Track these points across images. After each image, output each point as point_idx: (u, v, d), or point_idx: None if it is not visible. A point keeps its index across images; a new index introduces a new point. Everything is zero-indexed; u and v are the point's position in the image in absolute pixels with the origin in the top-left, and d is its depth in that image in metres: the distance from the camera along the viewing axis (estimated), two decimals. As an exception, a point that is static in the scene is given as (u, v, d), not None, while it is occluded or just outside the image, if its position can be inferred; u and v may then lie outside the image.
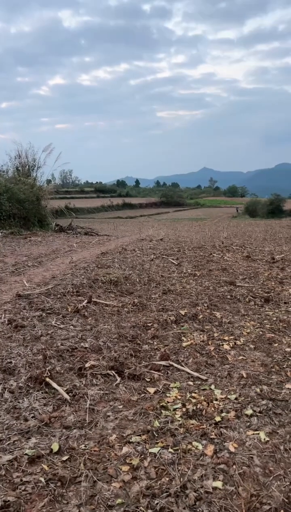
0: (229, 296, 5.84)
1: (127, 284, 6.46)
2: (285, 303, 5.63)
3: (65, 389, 3.04)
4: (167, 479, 2.12)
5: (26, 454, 2.28)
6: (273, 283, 6.80)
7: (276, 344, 4.09)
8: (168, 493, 2.02)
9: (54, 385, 3.07)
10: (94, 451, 2.35)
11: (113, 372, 3.35)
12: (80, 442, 2.44)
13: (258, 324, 4.72)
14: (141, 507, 1.94)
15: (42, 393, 2.99)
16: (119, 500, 1.98)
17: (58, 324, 4.48)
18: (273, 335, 4.35)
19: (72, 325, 4.51)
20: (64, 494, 2.03)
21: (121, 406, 2.88)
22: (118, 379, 3.27)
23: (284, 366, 3.54)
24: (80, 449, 2.37)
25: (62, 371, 3.35)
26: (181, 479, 2.10)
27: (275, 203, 53.61)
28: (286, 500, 2.02)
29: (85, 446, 2.39)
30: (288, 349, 3.93)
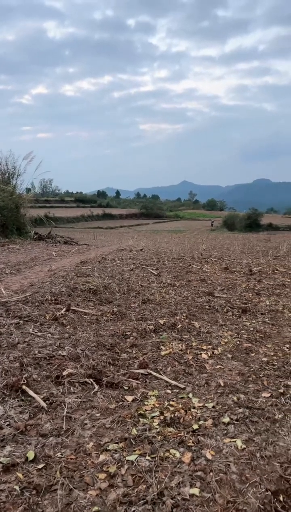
0: (207, 306, 5.90)
1: (107, 293, 6.44)
2: (262, 313, 5.73)
3: (42, 397, 2.99)
4: (144, 486, 2.11)
5: (0, 462, 2.22)
6: (250, 294, 6.92)
7: (253, 354, 4.15)
8: (144, 500, 2.00)
9: (31, 392, 3.02)
10: (71, 459, 2.32)
11: (91, 380, 3.32)
12: (56, 450, 2.40)
13: (236, 334, 4.78)
14: (118, 515, 1.92)
15: (18, 400, 2.93)
16: (95, 508, 1.95)
17: (35, 332, 4.41)
18: (250, 345, 4.42)
19: (50, 333, 4.45)
20: (40, 502, 1.99)
21: (99, 414, 2.85)
22: (96, 387, 3.24)
23: (260, 375, 3.59)
24: (57, 457, 2.33)
25: (39, 379, 3.29)
26: (158, 487, 2.09)
27: (253, 217, 54.82)
28: (261, 507, 2.04)
29: (61, 454, 2.35)
30: (264, 359, 3.99)
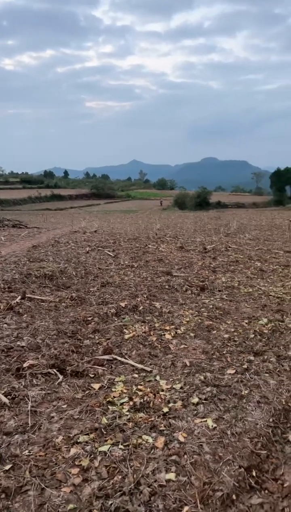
0: (167, 286, 5.90)
1: (64, 278, 6.23)
2: (219, 290, 5.83)
3: (2, 392, 2.82)
4: (120, 477, 2.05)
5: None
6: (206, 272, 7.02)
7: (215, 331, 4.21)
8: (121, 491, 1.95)
9: (-10, 389, 2.84)
10: (40, 456, 2.21)
11: (54, 370, 3.19)
12: (23, 448, 2.27)
13: (196, 312, 4.83)
14: (95, 510, 1.85)
15: (-24, 398, 2.74)
16: (71, 506, 1.87)
17: (-10, 323, 4.16)
18: (211, 322, 4.47)
19: (6, 323, 4.22)
20: (10, 506, 1.87)
21: (65, 406, 2.74)
22: (60, 377, 3.11)
23: (224, 352, 3.65)
24: (24, 455, 2.20)
25: (-2, 373, 3.11)
26: (134, 476, 2.05)
27: (202, 195, 55.80)
28: (236, 485, 2.06)
29: (29, 452, 2.23)
30: (226, 335, 4.06)
